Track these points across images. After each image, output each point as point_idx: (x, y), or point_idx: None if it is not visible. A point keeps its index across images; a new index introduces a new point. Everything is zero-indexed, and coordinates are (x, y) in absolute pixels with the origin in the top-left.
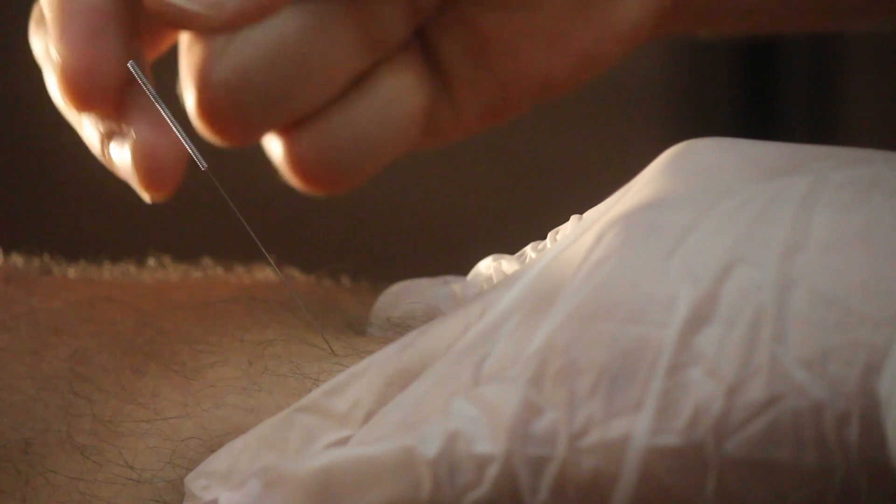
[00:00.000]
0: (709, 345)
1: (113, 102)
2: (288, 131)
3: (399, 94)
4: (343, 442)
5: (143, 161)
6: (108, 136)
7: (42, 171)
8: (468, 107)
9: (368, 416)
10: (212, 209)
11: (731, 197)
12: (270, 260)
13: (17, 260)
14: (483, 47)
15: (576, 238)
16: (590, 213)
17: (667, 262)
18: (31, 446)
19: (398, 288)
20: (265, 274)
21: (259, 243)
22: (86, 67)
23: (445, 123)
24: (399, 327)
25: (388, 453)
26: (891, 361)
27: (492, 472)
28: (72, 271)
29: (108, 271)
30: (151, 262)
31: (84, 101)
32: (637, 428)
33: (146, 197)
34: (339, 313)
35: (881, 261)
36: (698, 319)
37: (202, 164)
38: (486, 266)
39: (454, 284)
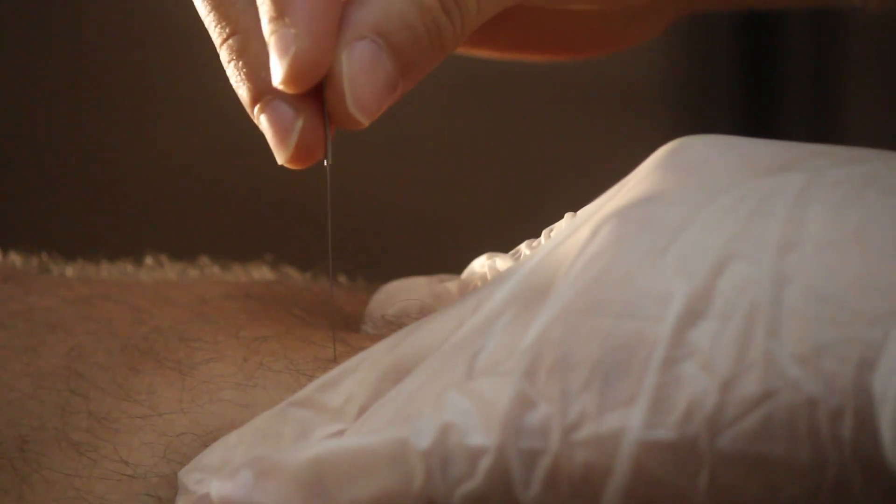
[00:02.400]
0: (703, 340)
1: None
2: None
3: None
4: (337, 435)
5: (305, 142)
6: (262, 96)
7: (41, 170)
8: (466, 45)
9: (362, 411)
10: (210, 209)
11: (726, 193)
12: (330, 267)
13: (16, 259)
14: (527, 26)
15: (570, 234)
16: (584, 210)
17: (661, 258)
18: (27, 443)
19: (393, 286)
20: (262, 272)
21: (330, 246)
22: (318, 60)
23: None
24: (393, 325)
25: (380, 445)
26: (885, 358)
27: (484, 464)
28: (70, 270)
29: (106, 270)
30: (149, 261)
31: (305, 85)
32: (630, 422)
33: (284, 163)
34: (335, 311)
35: (876, 258)
36: (693, 314)
37: (329, 160)
38: (481, 264)
39: (448, 282)
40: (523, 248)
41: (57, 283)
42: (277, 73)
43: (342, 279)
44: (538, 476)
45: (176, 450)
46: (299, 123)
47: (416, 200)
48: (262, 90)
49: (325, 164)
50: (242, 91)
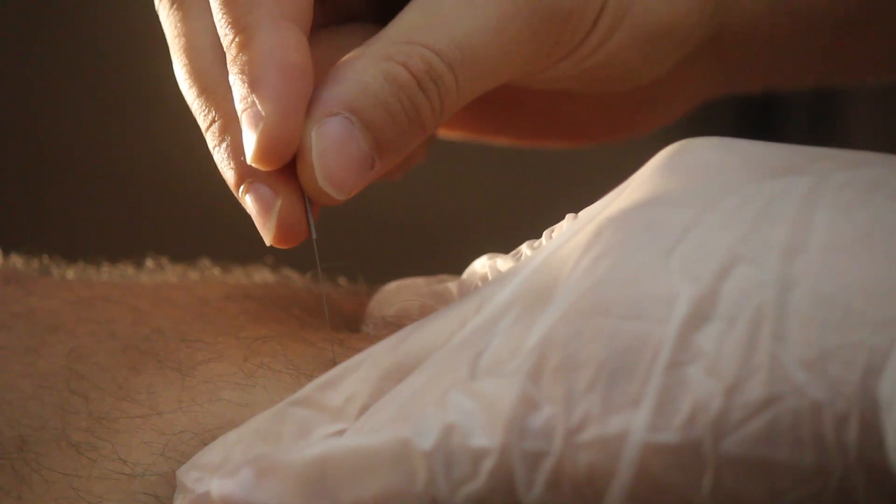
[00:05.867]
0: (708, 343)
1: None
2: None
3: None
4: (338, 435)
5: (286, 225)
6: (245, 179)
7: (42, 172)
8: (474, 131)
9: (363, 410)
10: (211, 212)
11: (732, 195)
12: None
13: (17, 260)
14: (494, 105)
15: (572, 235)
16: (585, 212)
17: (667, 260)
18: (27, 443)
19: (393, 286)
20: (262, 275)
21: (318, 263)
22: (286, 135)
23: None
24: (393, 325)
25: (383, 444)
26: (891, 363)
27: (487, 465)
28: (70, 272)
29: (107, 272)
30: (150, 263)
31: (276, 160)
32: (634, 424)
33: (270, 243)
34: (334, 312)
35: (882, 262)
36: (698, 317)
37: (314, 234)
38: (482, 265)
39: (449, 283)
40: (524, 248)
41: (58, 284)
42: (249, 149)
43: (343, 281)
44: (541, 478)
45: (174, 448)
46: (278, 204)
47: (417, 201)
48: (244, 173)
49: (312, 238)
50: (228, 174)
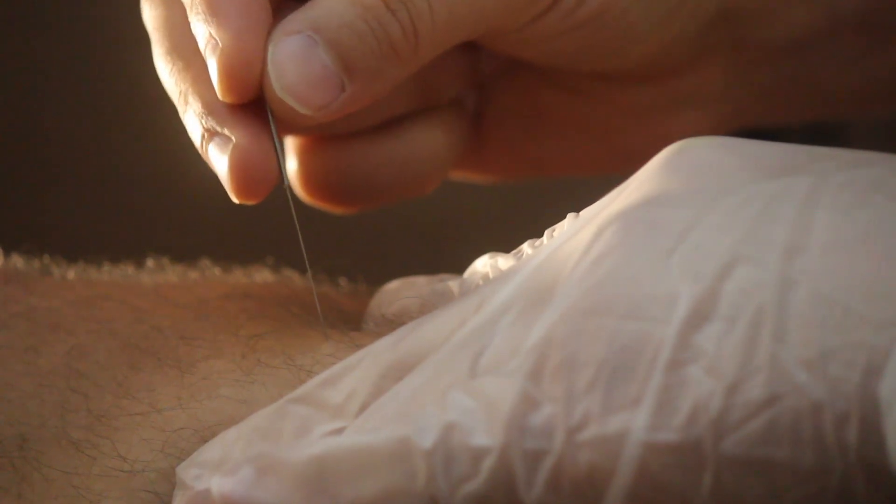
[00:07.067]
0: (709, 343)
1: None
2: (307, 147)
3: (422, 145)
4: (337, 433)
5: (238, 168)
6: (209, 133)
7: (42, 172)
8: (495, 167)
9: (363, 408)
10: (212, 212)
11: (732, 195)
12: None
13: (18, 260)
14: (534, 122)
15: (573, 234)
16: (587, 211)
17: (667, 260)
18: (27, 442)
19: (393, 285)
20: (263, 275)
21: (305, 255)
22: (247, 58)
23: (469, 173)
24: (394, 323)
25: (383, 443)
26: (892, 364)
27: (488, 464)
28: (71, 272)
29: (108, 272)
30: (150, 263)
31: (239, 90)
32: (635, 423)
33: (234, 198)
34: (334, 311)
35: (882, 263)
36: (699, 317)
37: (286, 181)
38: (483, 264)
39: (450, 282)
40: (526, 247)
41: (58, 284)
42: (214, 79)
43: (343, 280)
44: (541, 477)
45: (174, 445)
46: (231, 143)
47: (418, 200)
48: (205, 130)
49: (285, 185)
50: (195, 137)
